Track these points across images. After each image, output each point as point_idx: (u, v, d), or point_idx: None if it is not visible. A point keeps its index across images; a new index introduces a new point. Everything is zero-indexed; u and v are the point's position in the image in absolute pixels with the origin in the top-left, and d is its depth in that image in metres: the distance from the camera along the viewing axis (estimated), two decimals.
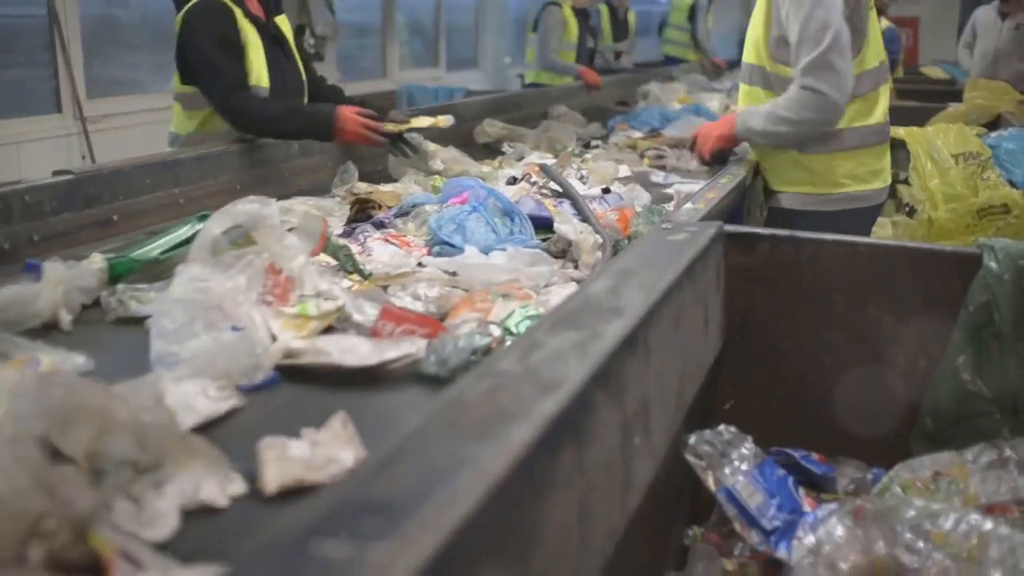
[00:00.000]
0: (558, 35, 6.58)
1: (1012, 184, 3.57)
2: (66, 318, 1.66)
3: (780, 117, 2.56)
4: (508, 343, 1.44)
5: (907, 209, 3.68)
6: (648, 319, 1.11)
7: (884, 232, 3.65)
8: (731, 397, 1.62)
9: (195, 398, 1.29)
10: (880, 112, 2.68)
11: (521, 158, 3.40)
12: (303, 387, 1.43)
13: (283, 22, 3.11)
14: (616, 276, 1.23)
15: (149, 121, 5.63)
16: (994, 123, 4.39)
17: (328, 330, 1.60)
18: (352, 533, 0.59)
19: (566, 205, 2.46)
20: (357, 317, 1.62)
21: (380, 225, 2.35)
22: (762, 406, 1.60)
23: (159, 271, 1.83)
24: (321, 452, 1.14)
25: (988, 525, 1.13)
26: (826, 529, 1.21)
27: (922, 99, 5.32)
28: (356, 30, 8.54)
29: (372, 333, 1.56)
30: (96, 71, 5.45)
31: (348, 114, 2.79)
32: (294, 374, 1.45)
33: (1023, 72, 6.33)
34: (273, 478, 1.10)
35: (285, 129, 2.88)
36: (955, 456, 1.39)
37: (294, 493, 1.10)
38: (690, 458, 1.32)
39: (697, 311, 1.40)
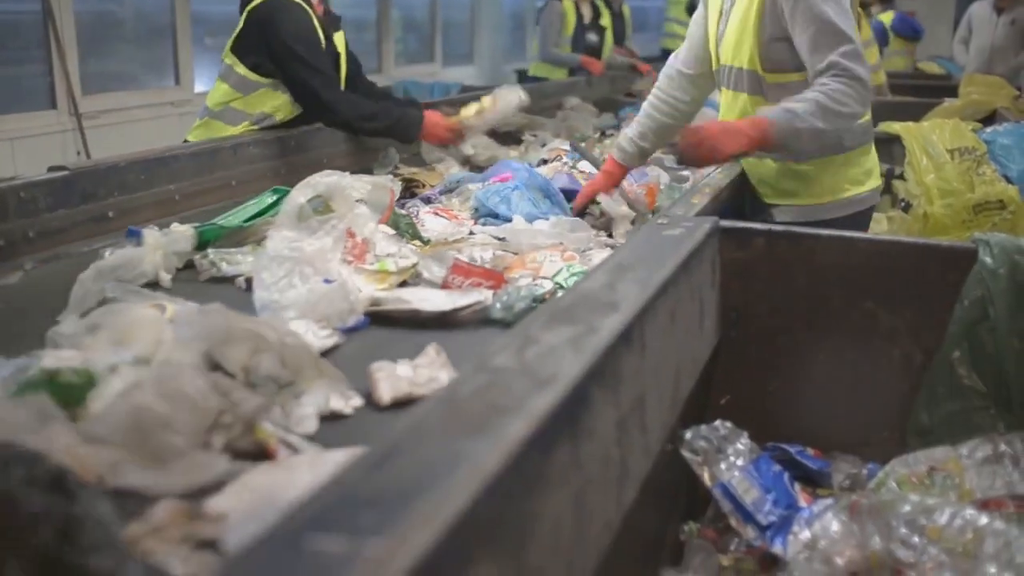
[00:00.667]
0: (557, 29, 6.67)
1: (1007, 179, 3.57)
2: (165, 277, 1.92)
3: (835, 112, 2.14)
4: (559, 294, 1.69)
5: (903, 204, 3.67)
6: (644, 314, 1.11)
7: (880, 227, 3.65)
8: (727, 392, 1.62)
9: (304, 335, 1.51)
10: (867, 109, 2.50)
11: (544, 144, 3.64)
12: (389, 329, 1.68)
13: (339, 40, 3.21)
14: (612, 271, 1.23)
15: (144, 117, 5.63)
16: (989, 118, 4.38)
17: (402, 285, 1.86)
18: (348, 528, 0.59)
19: None
20: (426, 274, 1.88)
21: (427, 200, 2.60)
22: (758, 401, 1.60)
23: (241, 237, 2.13)
24: (422, 372, 1.41)
25: (983, 520, 1.13)
26: (822, 524, 1.22)
27: (918, 94, 5.32)
28: (351, 25, 8.52)
29: (443, 286, 1.82)
30: (91, 67, 5.43)
31: (434, 119, 3.03)
32: (379, 319, 1.70)
33: (1019, 67, 6.34)
34: (386, 391, 1.35)
35: (376, 128, 3.07)
36: (950, 451, 1.39)
37: (402, 404, 1.34)
38: (686, 453, 1.32)
39: (693, 306, 1.40)
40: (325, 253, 1.79)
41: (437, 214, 2.38)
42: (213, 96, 3.06)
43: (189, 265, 2.01)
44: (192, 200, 2.63)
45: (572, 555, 0.85)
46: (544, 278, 1.84)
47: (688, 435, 1.33)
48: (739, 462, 1.33)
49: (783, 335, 1.59)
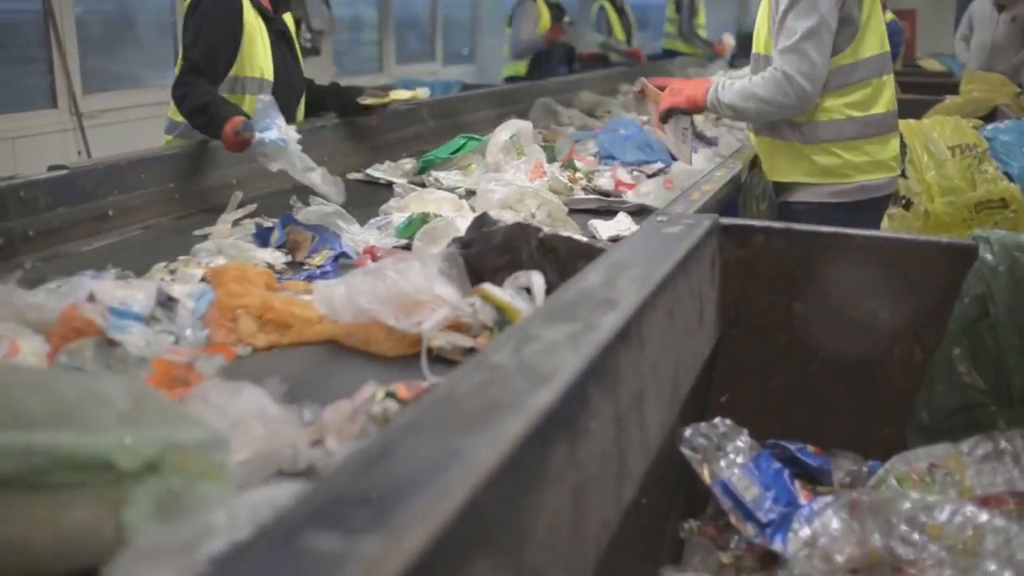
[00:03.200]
0: (530, 28, 6.80)
1: (1008, 177, 3.56)
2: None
3: (751, 94, 2.52)
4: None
5: (904, 202, 3.67)
6: (643, 311, 1.11)
7: (881, 225, 3.64)
8: (726, 390, 1.62)
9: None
10: (883, 102, 2.63)
11: (619, 119, 4.42)
12: (578, 215, 2.51)
13: (288, 20, 3.14)
14: (610, 268, 1.22)
15: (145, 116, 5.61)
16: (990, 115, 4.38)
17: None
18: (343, 526, 0.58)
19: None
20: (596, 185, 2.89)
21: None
22: (758, 399, 1.60)
23: (448, 165, 3.10)
24: (622, 224, 2.33)
25: (983, 517, 1.13)
26: (822, 522, 1.21)
27: (919, 92, 5.31)
28: (352, 24, 8.53)
29: (616, 185, 2.86)
30: (92, 66, 5.43)
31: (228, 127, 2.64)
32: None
33: (1019, 64, 6.32)
34: (604, 232, 2.29)
35: (198, 124, 2.77)
36: (951, 448, 1.38)
37: (615, 240, 2.18)
38: (685, 451, 1.32)
39: (692, 304, 1.40)
40: (520, 173, 2.78)
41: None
42: (173, 108, 2.96)
43: (413, 183, 2.92)
44: (192, 199, 2.62)
45: (570, 553, 0.85)
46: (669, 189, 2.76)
47: (688, 433, 1.33)
48: (739, 459, 1.33)
49: (783, 332, 1.59)
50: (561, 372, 0.86)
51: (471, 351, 1.52)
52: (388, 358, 1.55)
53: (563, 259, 1.72)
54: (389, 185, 2.93)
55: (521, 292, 1.60)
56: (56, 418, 0.92)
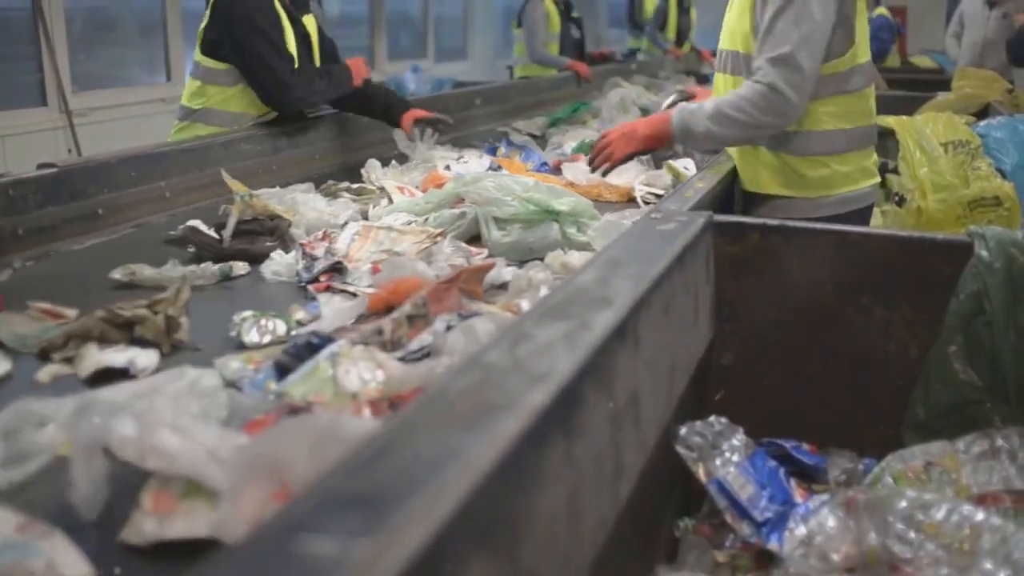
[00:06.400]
0: (544, 28, 6.70)
1: (1001, 173, 3.55)
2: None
3: (729, 118, 2.22)
4: None
5: (897, 198, 3.66)
6: (638, 309, 1.10)
7: (874, 222, 3.62)
8: (721, 388, 1.61)
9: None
10: (869, 113, 2.47)
11: (669, 96, 5.08)
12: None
13: (310, 22, 3.20)
14: (605, 266, 1.22)
15: (136, 114, 5.60)
16: (982, 112, 4.38)
17: None
18: (337, 529, 0.58)
19: None
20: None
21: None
22: (753, 397, 1.59)
23: (570, 121, 4.51)
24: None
25: (980, 516, 1.12)
26: (818, 520, 1.21)
27: (911, 88, 5.31)
28: (344, 21, 8.51)
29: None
30: (82, 64, 5.41)
31: (355, 62, 3.32)
32: None
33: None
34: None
35: (324, 90, 3.14)
36: (947, 446, 1.38)
37: None
38: (681, 450, 1.31)
39: (687, 301, 1.39)
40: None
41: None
42: (188, 96, 3.05)
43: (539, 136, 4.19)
44: (183, 197, 2.61)
45: (567, 553, 0.84)
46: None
47: (683, 431, 1.32)
48: (734, 458, 1.32)
49: (778, 330, 1.58)
50: (556, 371, 0.85)
51: (659, 197, 2.58)
52: (610, 202, 2.69)
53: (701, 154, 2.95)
54: (530, 135, 4.15)
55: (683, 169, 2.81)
56: (524, 192, 2.14)
